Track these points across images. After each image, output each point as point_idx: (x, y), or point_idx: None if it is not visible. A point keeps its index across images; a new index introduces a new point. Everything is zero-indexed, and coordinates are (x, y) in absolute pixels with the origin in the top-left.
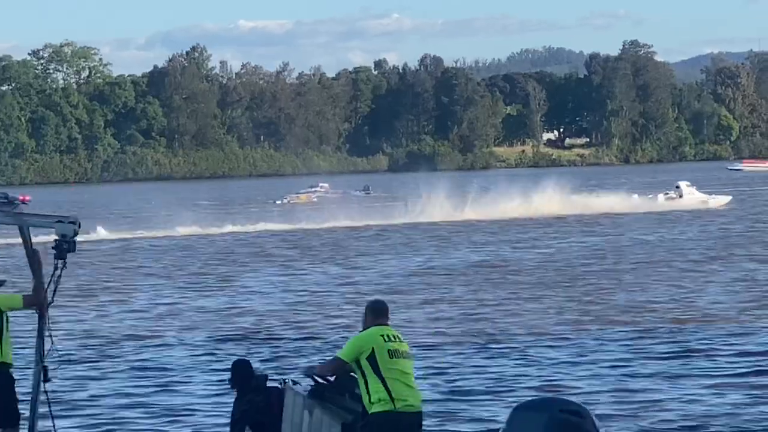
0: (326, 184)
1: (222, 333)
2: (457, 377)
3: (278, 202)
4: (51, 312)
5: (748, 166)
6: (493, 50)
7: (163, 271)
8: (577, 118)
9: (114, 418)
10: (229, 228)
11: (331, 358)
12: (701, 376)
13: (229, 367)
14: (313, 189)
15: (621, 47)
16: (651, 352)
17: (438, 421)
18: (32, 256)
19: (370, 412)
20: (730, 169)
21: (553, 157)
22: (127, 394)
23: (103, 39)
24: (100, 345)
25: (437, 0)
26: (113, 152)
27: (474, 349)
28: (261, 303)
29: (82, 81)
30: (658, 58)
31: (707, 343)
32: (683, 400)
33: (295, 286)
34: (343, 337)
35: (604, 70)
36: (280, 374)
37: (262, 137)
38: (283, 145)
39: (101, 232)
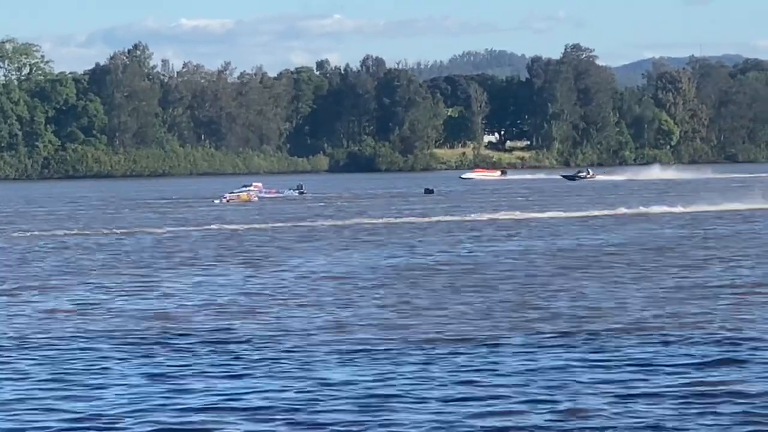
0: (259, 184)
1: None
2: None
3: (216, 201)
4: None
5: (478, 174)
6: (435, 52)
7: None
8: (518, 121)
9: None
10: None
11: None
12: None
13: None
14: (246, 188)
15: (563, 51)
16: None
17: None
18: None
19: None
20: (463, 177)
21: (494, 159)
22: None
23: (44, 35)
24: None
25: (378, 0)
26: (54, 149)
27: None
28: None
29: (23, 77)
30: (599, 62)
31: None
32: None
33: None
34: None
35: (545, 73)
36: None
37: (203, 136)
38: (223, 144)
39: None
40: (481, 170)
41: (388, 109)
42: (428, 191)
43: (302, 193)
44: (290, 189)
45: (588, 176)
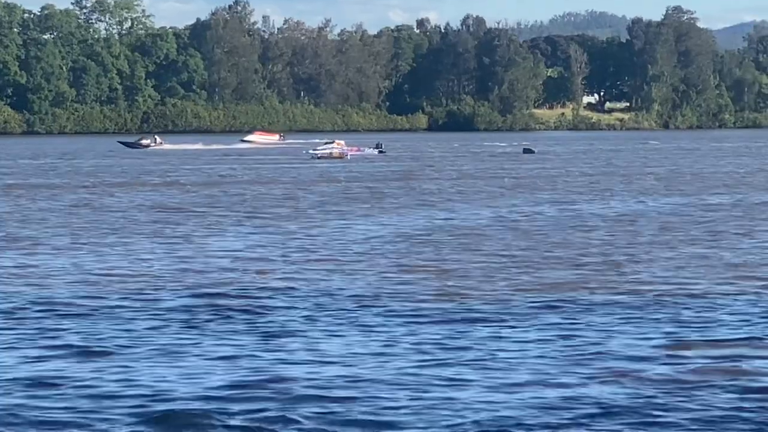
0: (342, 141)
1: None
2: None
3: (305, 152)
4: None
5: (258, 137)
6: (535, 12)
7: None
8: (618, 83)
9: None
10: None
11: None
12: None
13: None
14: (329, 146)
15: (664, 12)
16: None
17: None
18: None
19: None
20: (244, 140)
21: (593, 120)
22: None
23: None
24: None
25: None
26: (153, 104)
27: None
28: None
29: (124, 32)
30: (700, 24)
31: None
32: None
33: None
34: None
35: (646, 35)
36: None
37: (302, 93)
38: (323, 101)
39: None
40: (260, 133)
41: (488, 69)
42: (527, 151)
43: (381, 151)
44: (369, 147)
45: (154, 144)
